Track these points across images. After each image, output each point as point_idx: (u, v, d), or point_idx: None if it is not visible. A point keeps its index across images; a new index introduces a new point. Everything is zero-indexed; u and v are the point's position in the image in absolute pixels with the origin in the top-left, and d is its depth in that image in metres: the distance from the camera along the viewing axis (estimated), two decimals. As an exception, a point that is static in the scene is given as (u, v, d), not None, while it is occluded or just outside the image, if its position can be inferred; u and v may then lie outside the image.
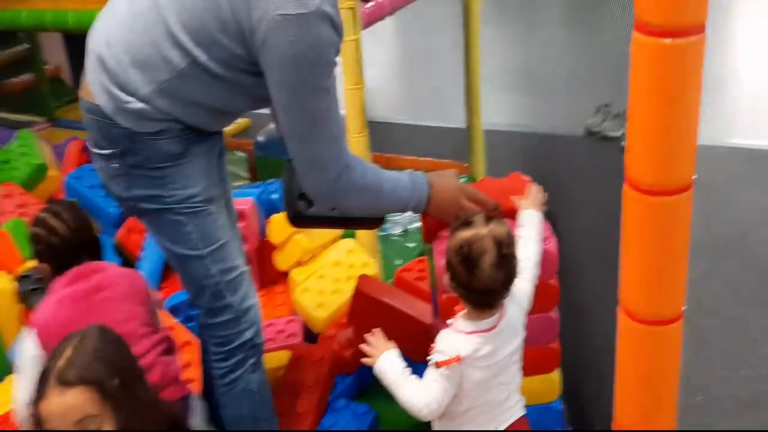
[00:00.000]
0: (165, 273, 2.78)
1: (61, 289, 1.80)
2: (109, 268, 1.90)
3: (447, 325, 1.73)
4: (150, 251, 2.76)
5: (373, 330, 1.63)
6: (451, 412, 1.53)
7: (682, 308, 1.05)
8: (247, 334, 1.79)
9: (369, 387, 2.37)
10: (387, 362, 1.57)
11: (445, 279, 1.51)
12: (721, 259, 3.26)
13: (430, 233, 1.83)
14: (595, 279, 1.82)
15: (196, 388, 2.24)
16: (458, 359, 1.46)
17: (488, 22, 3.51)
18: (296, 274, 2.51)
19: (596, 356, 1.84)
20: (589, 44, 2.41)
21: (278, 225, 2.54)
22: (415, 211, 1.77)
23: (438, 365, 1.47)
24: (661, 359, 1.06)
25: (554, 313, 1.79)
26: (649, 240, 0.99)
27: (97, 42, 1.68)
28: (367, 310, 2.26)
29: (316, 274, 2.49)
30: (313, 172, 1.63)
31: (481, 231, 1.45)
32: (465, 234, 1.45)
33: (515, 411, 1.58)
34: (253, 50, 1.54)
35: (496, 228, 1.46)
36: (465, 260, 1.44)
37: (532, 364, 1.62)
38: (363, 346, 1.61)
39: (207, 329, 1.81)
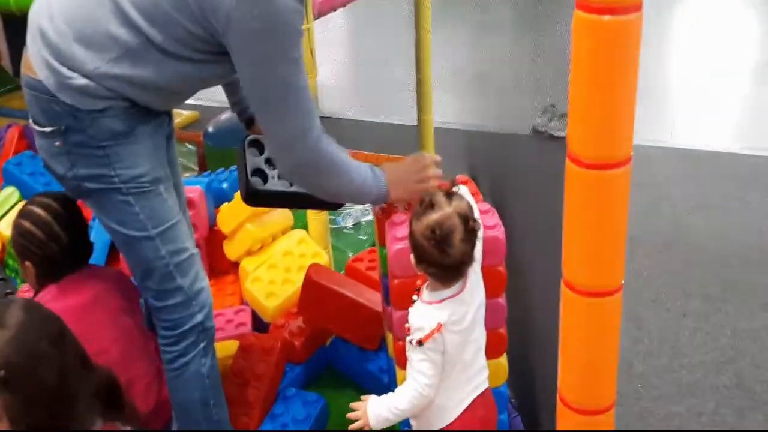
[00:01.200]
0: (110, 257, 2.76)
1: (51, 302, 1.72)
2: (100, 273, 1.85)
3: (400, 311, 1.76)
4: (96, 230, 2.72)
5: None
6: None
7: (621, 281, 1.09)
8: (198, 317, 1.76)
9: (319, 376, 2.40)
10: (375, 405, 1.58)
11: (412, 261, 1.53)
12: (660, 254, 3.36)
13: (384, 235, 1.82)
14: (540, 268, 1.87)
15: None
16: (439, 327, 1.49)
17: (439, 23, 3.56)
18: (247, 264, 2.51)
19: (541, 341, 1.88)
20: (537, 46, 2.47)
21: (228, 214, 2.53)
22: (375, 200, 1.75)
23: (422, 341, 1.49)
24: (601, 330, 1.10)
25: (502, 299, 1.83)
26: (590, 213, 1.03)
27: (38, 13, 1.61)
28: (317, 298, 2.27)
29: (266, 264, 2.49)
30: (288, 147, 1.59)
31: (447, 210, 1.48)
32: (433, 216, 1.48)
33: (483, 375, 1.63)
34: (215, 27, 1.50)
35: (459, 204, 1.50)
36: (437, 242, 1.47)
37: (479, 350, 1.65)
38: (352, 427, 1.58)
39: (156, 313, 1.78)
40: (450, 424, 1.59)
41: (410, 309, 1.58)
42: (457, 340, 1.54)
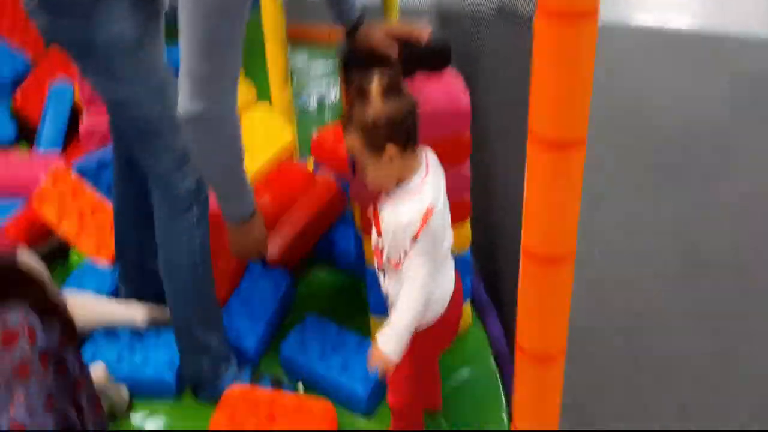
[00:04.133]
0: (68, 137, 2.72)
1: None
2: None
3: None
4: (53, 114, 2.67)
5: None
6: None
7: (584, 134, 1.12)
8: (194, 182, 1.73)
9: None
10: (387, 342, 1.47)
11: (387, 151, 1.43)
12: (617, 132, 3.43)
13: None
14: (502, 146, 1.90)
15: (108, 255, 2.26)
16: (430, 209, 1.44)
17: None
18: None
19: (503, 206, 1.94)
20: None
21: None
22: (231, 215, 1.69)
23: (417, 236, 1.44)
24: (565, 181, 1.14)
25: (466, 168, 1.86)
26: (558, 68, 1.05)
27: None
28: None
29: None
30: (196, 95, 1.44)
31: (374, 74, 1.43)
32: (373, 86, 1.42)
33: (451, 263, 1.63)
34: None
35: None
36: (397, 93, 1.42)
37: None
38: (372, 367, 1.49)
39: (150, 174, 1.74)
40: (445, 310, 1.59)
41: (386, 218, 1.48)
42: (439, 223, 1.50)
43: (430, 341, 1.62)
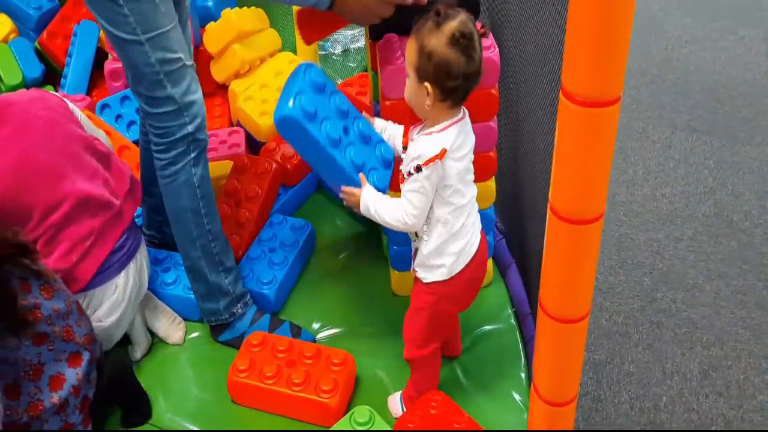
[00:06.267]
0: (92, 80, 2.71)
1: None
2: (17, 99, 1.77)
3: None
4: (78, 56, 2.66)
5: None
6: (446, 221, 1.55)
7: (620, 93, 1.09)
8: (189, 128, 1.74)
9: (309, 201, 2.42)
10: (366, 196, 1.56)
11: (424, 86, 1.44)
12: (650, 86, 3.35)
13: (375, 60, 1.78)
14: (532, 102, 1.85)
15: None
16: (443, 152, 1.45)
17: None
18: (236, 86, 2.46)
19: (530, 163, 1.90)
20: None
21: (215, 34, 2.45)
22: (316, 3, 1.66)
23: (421, 167, 1.46)
24: (598, 140, 1.11)
25: (493, 123, 1.83)
26: (594, 22, 1.01)
27: None
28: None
29: (257, 84, 2.44)
30: None
31: (462, 16, 1.42)
32: (453, 23, 1.40)
33: (477, 213, 1.62)
34: None
35: (465, 11, 1.44)
36: (464, 48, 1.40)
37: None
38: (343, 196, 1.59)
39: (148, 119, 1.76)
40: (467, 265, 1.58)
41: (412, 146, 1.51)
42: (460, 167, 1.51)
43: (449, 299, 1.62)
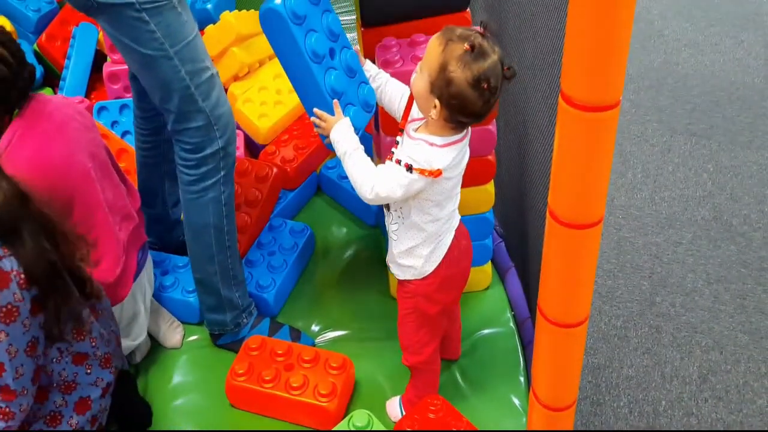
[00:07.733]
0: (91, 83, 2.71)
1: (29, 129, 1.63)
2: (51, 98, 1.75)
3: (390, 137, 1.75)
4: (76, 59, 2.66)
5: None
6: (421, 228, 1.55)
7: (619, 98, 1.09)
8: (220, 142, 1.70)
9: (309, 204, 2.41)
10: (340, 132, 1.50)
11: (433, 104, 1.42)
12: (649, 90, 3.35)
13: (369, 48, 1.78)
14: (531, 106, 1.85)
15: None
16: (439, 173, 1.44)
17: None
18: (235, 88, 2.46)
19: (530, 166, 1.90)
20: None
21: (213, 37, 2.45)
22: None
23: (414, 169, 1.44)
24: (597, 143, 1.10)
25: (492, 127, 1.83)
26: (594, 27, 1.00)
27: None
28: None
29: (256, 86, 2.44)
30: None
31: (494, 58, 1.39)
32: (483, 65, 1.37)
33: (456, 215, 1.63)
34: None
35: (499, 49, 1.40)
36: (484, 93, 1.39)
37: (469, 176, 1.64)
38: (314, 119, 1.53)
39: (176, 135, 1.71)
40: (439, 264, 1.59)
41: (411, 143, 1.49)
42: (448, 186, 1.50)
43: (425, 299, 1.61)
